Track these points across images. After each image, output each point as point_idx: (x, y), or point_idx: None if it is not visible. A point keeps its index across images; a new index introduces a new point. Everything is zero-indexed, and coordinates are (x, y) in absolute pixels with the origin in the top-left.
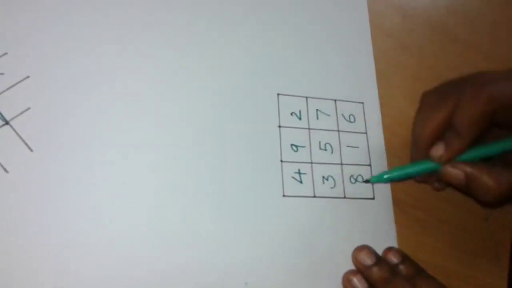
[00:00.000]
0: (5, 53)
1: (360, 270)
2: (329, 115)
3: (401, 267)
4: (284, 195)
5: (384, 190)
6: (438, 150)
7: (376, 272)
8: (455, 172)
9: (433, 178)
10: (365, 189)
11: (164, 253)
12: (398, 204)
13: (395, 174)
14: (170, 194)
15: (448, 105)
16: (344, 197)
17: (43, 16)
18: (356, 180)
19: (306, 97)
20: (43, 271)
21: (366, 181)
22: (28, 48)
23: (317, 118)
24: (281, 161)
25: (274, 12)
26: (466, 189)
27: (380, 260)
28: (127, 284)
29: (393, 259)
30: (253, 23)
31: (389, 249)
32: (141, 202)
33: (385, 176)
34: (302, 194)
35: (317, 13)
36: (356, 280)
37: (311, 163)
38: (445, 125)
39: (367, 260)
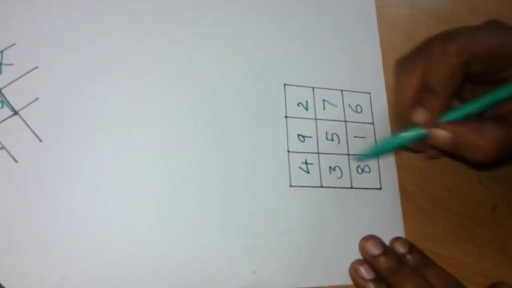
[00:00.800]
0: (14, 44)
1: (367, 259)
2: (336, 106)
3: (408, 257)
4: (291, 185)
5: (391, 180)
6: (418, 115)
7: (383, 261)
8: (442, 134)
9: (426, 145)
10: (372, 180)
11: (172, 242)
12: (405, 194)
13: (383, 148)
14: (178, 182)
15: (419, 66)
16: (351, 187)
17: (51, 7)
18: (363, 170)
19: (313, 88)
20: (50, 259)
21: (359, 159)
22: (36, 38)
23: (324, 108)
24: (288, 151)
25: (281, 3)
26: (456, 150)
27: (387, 250)
28: (134, 272)
29: (400, 249)
30: (261, 14)
31: (396, 239)
32: (148, 192)
33: (372, 152)
34: (309, 184)
35: (324, 3)
36: (363, 270)
37: (318, 153)
38: (420, 88)
39: (375, 250)
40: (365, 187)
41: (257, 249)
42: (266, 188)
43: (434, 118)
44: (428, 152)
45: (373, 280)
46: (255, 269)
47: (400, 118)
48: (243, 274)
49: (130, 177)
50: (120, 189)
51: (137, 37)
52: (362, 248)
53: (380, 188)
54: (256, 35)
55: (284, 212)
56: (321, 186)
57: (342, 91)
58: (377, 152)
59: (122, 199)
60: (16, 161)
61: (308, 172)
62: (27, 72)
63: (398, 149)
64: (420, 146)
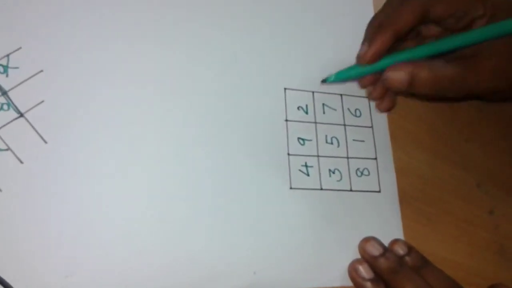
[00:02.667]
0: (20, 48)
1: (367, 260)
2: (335, 110)
3: (407, 258)
4: (291, 188)
5: (390, 183)
6: (362, 48)
7: (383, 262)
8: (398, 74)
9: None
10: (371, 183)
11: (173, 243)
12: (404, 197)
13: (341, 75)
14: (180, 184)
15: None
16: (351, 190)
17: (56, 12)
18: (362, 173)
19: (313, 92)
20: (54, 258)
21: (323, 81)
22: (42, 42)
23: (324, 112)
24: (288, 154)
25: (281, 8)
26: (411, 88)
27: (387, 251)
28: (136, 272)
29: (400, 250)
30: (261, 20)
31: (396, 240)
32: (151, 194)
33: (332, 78)
34: (309, 187)
35: (323, 8)
36: (362, 269)
37: (318, 156)
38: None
39: (374, 251)
40: (364, 189)
41: (258, 250)
42: (267, 190)
43: (375, 52)
44: (372, 91)
45: (371, 280)
46: (256, 270)
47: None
48: (244, 275)
49: (133, 179)
50: (123, 190)
51: (141, 41)
52: (362, 249)
53: (379, 191)
54: (256, 40)
55: (285, 214)
56: (321, 189)
57: (341, 95)
58: (336, 79)
59: (125, 200)
60: (21, 162)
61: (308, 175)
62: (33, 75)
63: (354, 78)
64: (366, 82)
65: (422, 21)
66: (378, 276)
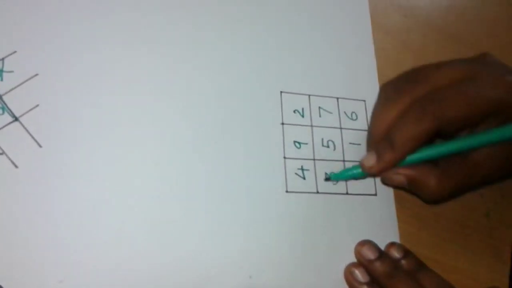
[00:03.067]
0: (15, 52)
1: (363, 264)
2: (331, 113)
3: (403, 262)
4: (287, 191)
5: (386, 187)
6: (369, 161)
7: (379, 266)
8: (398, 177)
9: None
10: (367, 186)
11: (168, 247)
12: (399, 200)
13: (343, 175)
14: (175, 187)
15: (395, 108)
16: (347, 193)
17: (51, 16)
18: None
19: (309, 95)
20: (48, 263)
21: (327, 179)
22: (37, 46)
23: (320, 115)
24: (284, 157)
25: (277, 11)
26: (409, 189)
27: (382, 255)
28: (130, 276)
29: (396, 254)
30: (256, 22)
31: (392, 244)
32: (145, 197)
33: (334, 177)
34: (305, 190)
35: (319, 12)
36: (358, 273)
37: (314, 159)
38: (390, 128)
39: (370, 254)
40: (360, 193)
41: (253, 253)
42: (263, 194)
43: (383, 171)
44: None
45: (367, 283)
46: (252, 273)
47: (368, 145)
48: (239, 279)
49: (127, 183)
50: (117, 194)
51: (136, 45)
52: (358, 253)
53: (376, 194)
54: (252, 44)
55: (281, 217)
56: (317, 192)
57: (337, 98)
58: (337, 178)
59: (119, 204)
60: (16, 166)
61: (304, 178)
62: (28, 79)
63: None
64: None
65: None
66: (374, 280)
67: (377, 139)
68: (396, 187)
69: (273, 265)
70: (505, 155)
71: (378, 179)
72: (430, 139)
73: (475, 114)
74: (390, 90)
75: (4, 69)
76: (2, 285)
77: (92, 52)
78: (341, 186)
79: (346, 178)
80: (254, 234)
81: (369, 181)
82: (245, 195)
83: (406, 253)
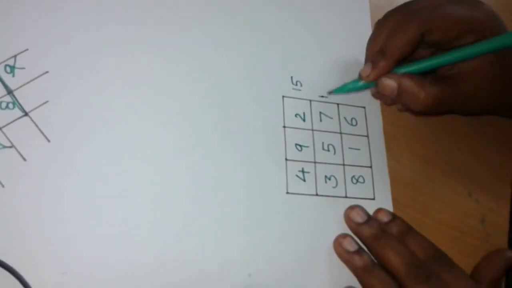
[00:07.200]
0: (26, 49)
1: (351, 228)
2: (332, 118)
3: (391, 225)
4: (287, 192)
5: (384, 191)
6: (366, 71)
7: (366, 229)
8: (390, 82)
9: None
10: (366, 190)
11: (169, 245)
12: (397, 204)
13: (344, 88)
14: (178, 187)
15: (384, 31)
16: (346, 197)
17: (62, 16)
18: (357, 180)
19: (310, 100)
20: (52, 255)
21: (329, 92)
22: (48, 45)
23: (321, 120)
24: (286, 159)
25: (279, 15)
26: (400, 99)
27: (370, 218)
28: (132, 271)
29: (383, 217)
30: (260, 29)
31: (379, 209)
32: (149, 196)
33: (336, 90)
34: (305, 192)
35: (321, 18)
36: (346, 243)
37: (315, 162)
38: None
39: (358, 218)
40: (359, 197)
41: (253, 253)
42: (264, 194)
43: (379, 76)
44: (383, 99)
45: (357, 251)
46: (251, 272)
47: (366, 59)
48: (239, 277)
49: (131, 180)
50: (121, 190)
51: (142, 46)
52: (347, 217)
53: (374, 199)
54: (255, 48)
55: (281, 218)
56: (317, 194)
57: (338, 104)
58: (339, 91)
59: (123, 201)
60: (24, 159)
61: (304, 180)
62: (38, 76)
63: (357, 90)
64: (376, 94)
65: (418, 45)
66: (363, 246)
67: (372, 53)
68: (388, 103)
69: (272, 264)
70: (489, 69)
71: (376, 181)
72: (415, 48)
73: (458, 27)
74: (382, 19)
75: (16, 65)
76: (6, 277)
77: (100, 52)
78: (340, 189)
79: (347, 91)
80: (254, 234)
81: (368, 185)
82: (246, 195)
83: (394, 217)
